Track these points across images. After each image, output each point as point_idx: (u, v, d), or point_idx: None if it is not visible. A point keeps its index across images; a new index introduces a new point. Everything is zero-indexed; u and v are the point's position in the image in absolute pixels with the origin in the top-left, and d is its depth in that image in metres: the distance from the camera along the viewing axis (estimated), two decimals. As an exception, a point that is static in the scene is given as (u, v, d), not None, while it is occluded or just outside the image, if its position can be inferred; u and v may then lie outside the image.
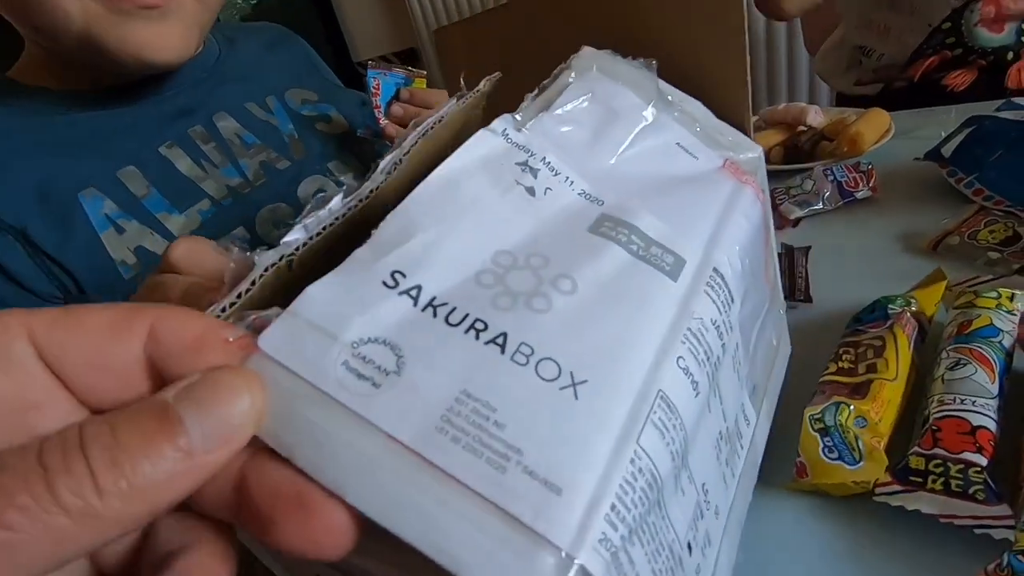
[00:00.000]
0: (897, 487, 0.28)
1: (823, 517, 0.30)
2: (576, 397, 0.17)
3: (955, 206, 0.51)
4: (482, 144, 0.23)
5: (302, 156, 0.58)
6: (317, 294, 0.17)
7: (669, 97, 0.29)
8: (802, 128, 0.72)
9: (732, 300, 0.24)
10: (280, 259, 0.19)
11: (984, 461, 0.27)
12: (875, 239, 0.52)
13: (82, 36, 0.42)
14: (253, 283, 0.19)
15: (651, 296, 0.21)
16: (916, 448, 0.28)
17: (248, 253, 0.19)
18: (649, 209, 0.23)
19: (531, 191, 0.22)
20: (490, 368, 0.17)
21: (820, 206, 0.58)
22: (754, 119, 0.79)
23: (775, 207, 0.60)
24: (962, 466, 0.27)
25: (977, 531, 0.26)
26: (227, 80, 0.56)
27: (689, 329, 0.21)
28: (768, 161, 0.72)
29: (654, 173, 0.26)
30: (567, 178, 0.23)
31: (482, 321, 0.18)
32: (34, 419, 0.13)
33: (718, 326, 0.22)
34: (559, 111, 0.25)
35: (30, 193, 0.44)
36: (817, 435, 0.30)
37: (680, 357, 0.20)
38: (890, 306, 0.37)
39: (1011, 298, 0.36)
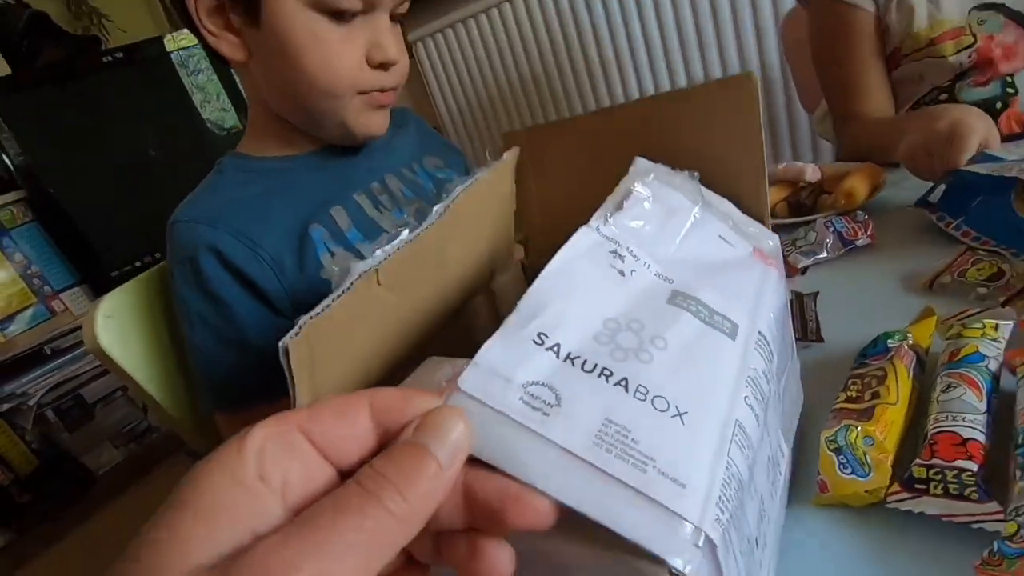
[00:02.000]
0: (905, 494, 0.33)
1: (847, 525, 0.35)
2: (683, 423, 0.23)
3: (947, 247, 0.57)
4: (584, 238, 0.30)
5: None
6: (490, 349, 0.24)
7: (709, 199, 0.37)
8: (802, 184, 0.79)
9: (772, 356, 0.31)
10: (369, 269, 0.29)
11: (975, 467, 0.32)
12: (876, 282, 0.58)
13: (339, 123, 0.62)
14: (352, 284, 0.27)
15: (720, 352, 0.28)
16: (918, 460, 0.33)
17: (352, 262, 0.28)
18: (706, 285, 0.30)
19: (622, 273, 0.29)
20: (621, 403, 0.23)
21: (824, 255, 0.64)
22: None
23: (783, 258, 0.66)
24: (956, 472, 0.32)
25: (973, 526, 0.30)
26: (388, 150, 0.75)
27: (749, 376, 0.27)
28: (774, 216, 0.79)
29: (704, 257, 0.33)
30: (645, 262, 0.31)
31: (608, 369, 0.24)
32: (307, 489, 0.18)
33: (766, 375, 0.29)
34: (631, 211, 0.32)
35: (283, 233, 0.62)
36: (833, 455, 0.35)
37: (746, 396, 0.27)
38: (889, 341, 0.43)
39: (995, 328, 0.41)
